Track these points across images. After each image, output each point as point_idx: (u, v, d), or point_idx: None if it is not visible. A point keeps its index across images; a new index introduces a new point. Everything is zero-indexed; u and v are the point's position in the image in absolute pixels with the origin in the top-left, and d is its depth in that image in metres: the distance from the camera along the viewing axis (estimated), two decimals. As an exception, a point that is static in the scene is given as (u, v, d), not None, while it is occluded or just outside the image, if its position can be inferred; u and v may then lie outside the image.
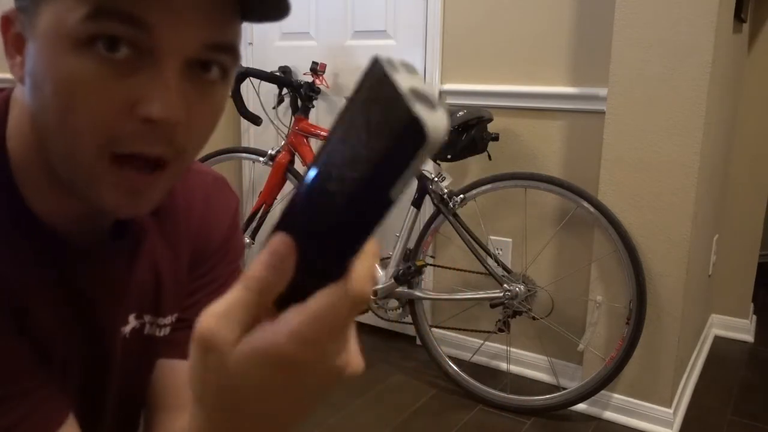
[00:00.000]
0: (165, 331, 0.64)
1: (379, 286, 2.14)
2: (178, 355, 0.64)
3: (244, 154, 2.50)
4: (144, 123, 0.43)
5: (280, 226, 0.30)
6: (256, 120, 2.24)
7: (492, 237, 2.22)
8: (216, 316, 0.30)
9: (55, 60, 0.42)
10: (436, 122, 0.26)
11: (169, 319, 0.64)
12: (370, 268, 0.29)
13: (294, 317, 0.29)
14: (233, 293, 0.30)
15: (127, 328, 0.60)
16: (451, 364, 2.12)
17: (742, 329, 2.59)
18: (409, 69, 0.28)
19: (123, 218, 0.55)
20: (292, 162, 2.33)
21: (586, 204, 1.87)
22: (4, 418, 0.46)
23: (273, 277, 0.30)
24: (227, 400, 0.32)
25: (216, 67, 0.45)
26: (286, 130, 2.35)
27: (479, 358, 2.30)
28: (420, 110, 0.25)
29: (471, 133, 1.94)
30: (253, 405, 0.32)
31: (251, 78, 2.26)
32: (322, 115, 2.56)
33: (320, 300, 0.29)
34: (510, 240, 2.21)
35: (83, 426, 0.51)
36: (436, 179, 2.02)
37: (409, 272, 2.06)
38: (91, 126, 0.43)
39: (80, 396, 0.56)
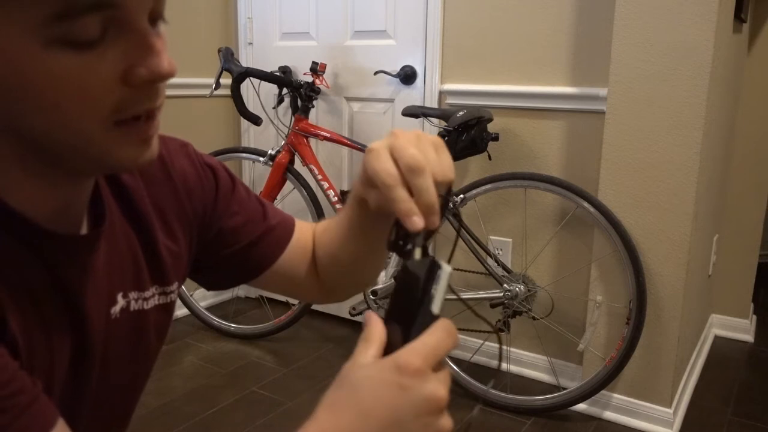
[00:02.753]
0: (150, 303, 0.65)
1: (379, 286, 2.14)
2: (280, 253, 0.76)
3: (244, 154, 2.49)
4: (145, 84, 0.46)
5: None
6: (256, 120, 2.24)
7: (492, 237, 2.22)
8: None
9: (28, 65, 0.42)
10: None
11: (150, 292, 0.65)
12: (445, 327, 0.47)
13: (415, 344, 0.46)
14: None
15: (117, 308, 0.60)
16: (451, 363, 2.12)
17: (742, 329, 2.59)
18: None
19: (140, 169, 0.62)
20: (292, 162, 2.33)
21: (586, 204, 1.87)
22: None
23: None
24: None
25: (159, 19, 0.49)
26: (286, 130, 2.35)
27: (479, 358, 2.30)
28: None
29: (471, 133, 1.94)
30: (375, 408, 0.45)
31: (251, 78, 2.26)
32: (322, 115, 2.56)
33: (426, 337, 0.46)
34: (510, 240, 2.21)
35: (72, 422, 0.49)
36: (436, 179, 2.01)
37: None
38: (91, 111, 0.45)
39: (67, 390, 0.55)
